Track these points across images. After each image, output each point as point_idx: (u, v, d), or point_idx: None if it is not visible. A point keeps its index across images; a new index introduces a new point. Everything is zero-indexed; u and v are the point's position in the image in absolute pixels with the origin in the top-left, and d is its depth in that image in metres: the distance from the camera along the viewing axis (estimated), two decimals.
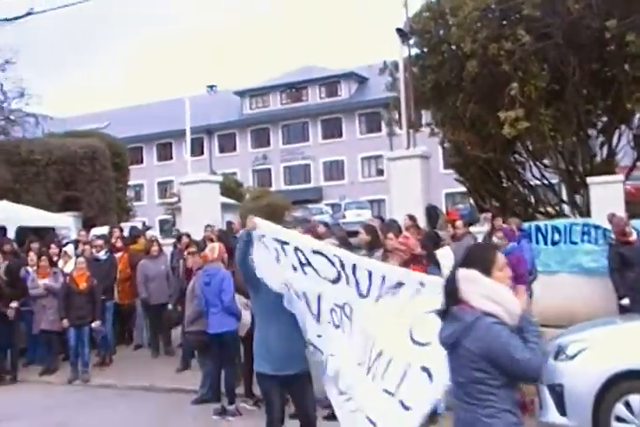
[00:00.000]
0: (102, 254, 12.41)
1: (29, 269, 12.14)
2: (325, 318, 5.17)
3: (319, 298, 5.20)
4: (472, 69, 13.94)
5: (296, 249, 5.28)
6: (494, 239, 12.16)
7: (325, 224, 12.60)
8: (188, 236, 12.77)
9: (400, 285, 4.66)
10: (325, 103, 46.18)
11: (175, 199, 22.91)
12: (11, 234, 14.76)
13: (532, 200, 16.43)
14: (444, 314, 3.48)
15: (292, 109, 46.88)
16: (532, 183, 16.75)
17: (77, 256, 12.27)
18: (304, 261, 5.25)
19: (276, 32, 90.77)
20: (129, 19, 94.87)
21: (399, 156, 14.71)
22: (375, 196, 41.51)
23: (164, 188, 47.60)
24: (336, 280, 5.09)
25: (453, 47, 14.89)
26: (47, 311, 11.41)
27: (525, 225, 11.89)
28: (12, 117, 16.65)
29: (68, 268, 12.03)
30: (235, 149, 48.81)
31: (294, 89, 47.68)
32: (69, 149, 18.67)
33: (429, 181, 14.75)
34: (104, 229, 15.92)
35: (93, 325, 11.05)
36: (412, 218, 12.79)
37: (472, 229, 13.04)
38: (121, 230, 13.84)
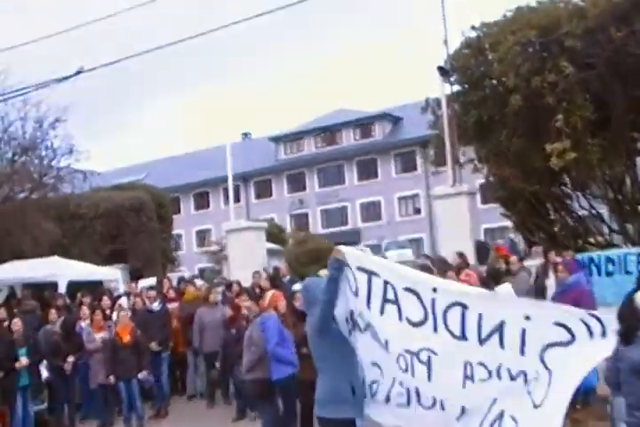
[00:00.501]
0: (156, 305, 12.38)
1: (82, 323, 12.15)
2: (390, 367, 4.95)
3: (386, 343, 4.95)
4: (516, 103, 13.87)
5: (386, 283, 4.91)
6: (550, 273, 11.96)
7: None
8: (239, 284, 12.75)
9: (502, 324, 4.43)
10: (360, 145, 46.39)
11: (217, 247, 22.92)
12: (62, 288, 14.87)
13: (582, 231, 16.13)
14: (627, 338, 3.44)
15: (327, 153, 47.19)
16: (580, 214, 16.47)
17: (131, 308, 12.29)
18: (391, 297, 4.90)
19: (307, 76, 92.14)
20: (167, 76, 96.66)
21: (445, 193, 14.64)
22: (413, 235, 41.31)
23: (203, 236, 47.90)
24: (419, 324, 4.80)
25: (495, 82, 14.85)
26: (103, 365, 11.34)
27: (579, 256, 11.62)
28: (61, 174, 16.97)
29: None
30: (271, 194, 49.10)
31: (328, 132, 48.06)
32: (115, 202, 18.94)
33: (476, 217, 14.64)
34: (152, 281, 15.99)
35: (140, 376, 10.91)
36: (461, 256, 12.65)
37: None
38: (178, 281, 13.86)
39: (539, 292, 10.79)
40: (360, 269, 5.00)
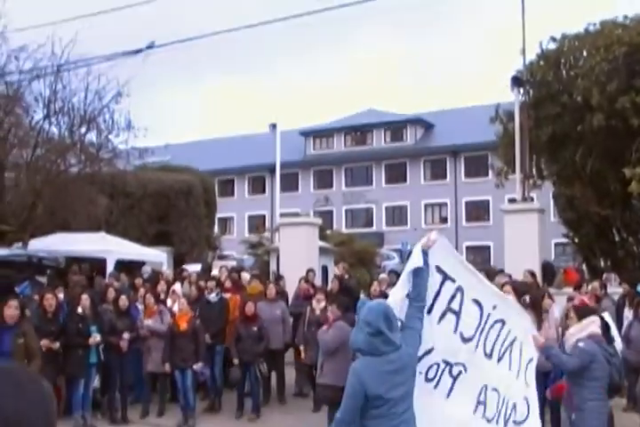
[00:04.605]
0: (213, 296, 11.98)
1: (139, 306, 11.84)
2: (419, 369, 4.80)
3: (428, 351, 4.87)
4: (598, 123, 13.47)
5: (457, 290, 4.97)
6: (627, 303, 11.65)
7: (395, 273, 12.11)
8: (307, 281, 12.47)
9: (514, 340, 5.32)
10: (390, 148, 45.92)
11: (266, 234, 22.36)
12: (110, 266, 14.61)
13: None
14: None
15: (357, 152, 46.74)
16: None
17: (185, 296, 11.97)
18: (455, 307, 4.97)
19: (339, 76, 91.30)
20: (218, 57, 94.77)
21: (516, 209, 14.23)
22: None
23: (224, 224, 47.44)
24: (468, 340, 5.01)
25: (579, 98, 14.43)
26: (153, 353, 11.02)
27: None
28: (117, 150, 16.55)
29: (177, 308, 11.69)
30: (297, 188, 48.59)
31: (359, 132, 47.61)
32: (164, 184, 18.61)
33: (545, 235, 14.23)
34: (197, 267, 15.72)
35: (195, 367, 10.57)
36: (533, 275, 12.32)
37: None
38: (229, 271, 13.48)
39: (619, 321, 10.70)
40: (438, 269, 4.95)
